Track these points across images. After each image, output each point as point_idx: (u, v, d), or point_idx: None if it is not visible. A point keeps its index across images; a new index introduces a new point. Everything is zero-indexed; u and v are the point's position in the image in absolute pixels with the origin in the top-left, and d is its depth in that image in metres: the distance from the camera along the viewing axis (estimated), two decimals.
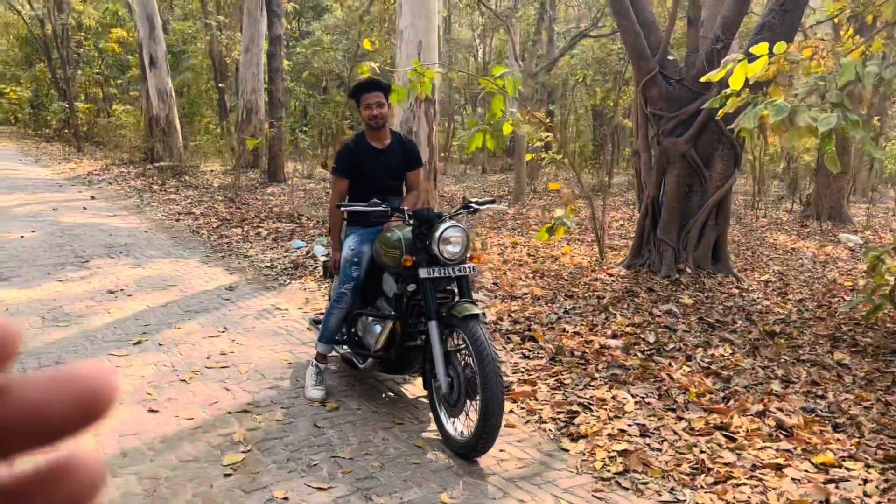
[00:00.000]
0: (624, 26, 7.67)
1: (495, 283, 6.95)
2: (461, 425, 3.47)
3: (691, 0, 7.82)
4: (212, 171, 17.92)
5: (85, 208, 10.95)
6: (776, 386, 4.45)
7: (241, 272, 7.19)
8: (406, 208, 3.78)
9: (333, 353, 4.28)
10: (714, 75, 4.89)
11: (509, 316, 5.78)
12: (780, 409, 4.04)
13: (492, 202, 4.01)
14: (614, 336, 5.40)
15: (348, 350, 4.15)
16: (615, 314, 6.00)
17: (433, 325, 3.50)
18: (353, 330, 4.16)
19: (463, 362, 3.44)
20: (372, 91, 4.03)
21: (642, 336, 5.39)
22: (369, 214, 3.86)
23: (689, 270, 7.43)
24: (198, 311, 5.68)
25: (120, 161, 18.78)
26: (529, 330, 5.40)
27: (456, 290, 3.69)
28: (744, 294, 6.91)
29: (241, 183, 15.50)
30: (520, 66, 16.25)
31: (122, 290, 6.17)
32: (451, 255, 3.56)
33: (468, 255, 3.68)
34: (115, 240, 8.42)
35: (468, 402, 3.42)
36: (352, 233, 4.17)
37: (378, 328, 3.91)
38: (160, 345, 4.79)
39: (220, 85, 24.18)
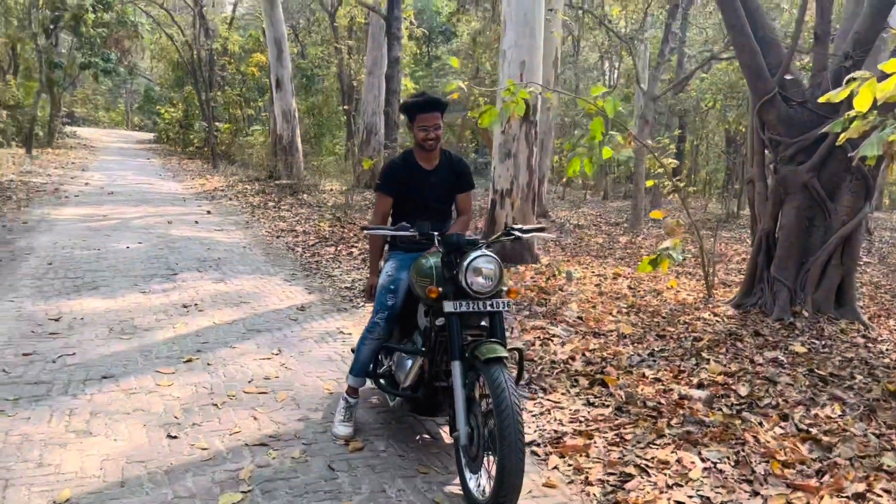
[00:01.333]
0: (740, 43, 6.98)
1: (579, 318, 6.43)
2: (484, 482, 3.05)
3: (819, 14, 7.02)
4: (331, 189, 18.25)
5: (197, 222, 11.34)
6: (889, 460, 3.70)
7: (320, 292, 7.06)
8: (436, 233, 3.41)
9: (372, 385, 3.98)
10: (835, 95, 4.21)
11: (584, 355, 5.27)
12: (888, 492, 3.32)
13: (540, 229, 3.58)
14: (700, 386, 4.77)
15: (381, 384, 3.82)
16: (708, 360, 5.34)
17: (456, 367, 3.12)
18: (388, 363, 3.84)
19: (486, 410, 3.03)
20: (429, 111, 3.71)
21: (734, 387, 4.73)
22: (413, 238, 3.53)
23: (805, 314, 6.58)
24: (260, 330, 5.56)
25: (246, 178, 19.56)
26: (602, 372, 4.87)
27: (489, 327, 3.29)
28: (870, 344, 6.01)
29: (354, 202, 15.66)
30: (642, 89, 15.53)
31: (196, 304, 6.17)
32: (481, 287, 3.17)
33: (503, 289, 3.28)
34: (210, 254, 8.58)
35: (488, 456, 3.00)
36: (392, 257, 3.87)
37: (409, 363, 3.57)
38: (208, 364, 4.67)
39: (345, 107, 24.80)
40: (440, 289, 3.22)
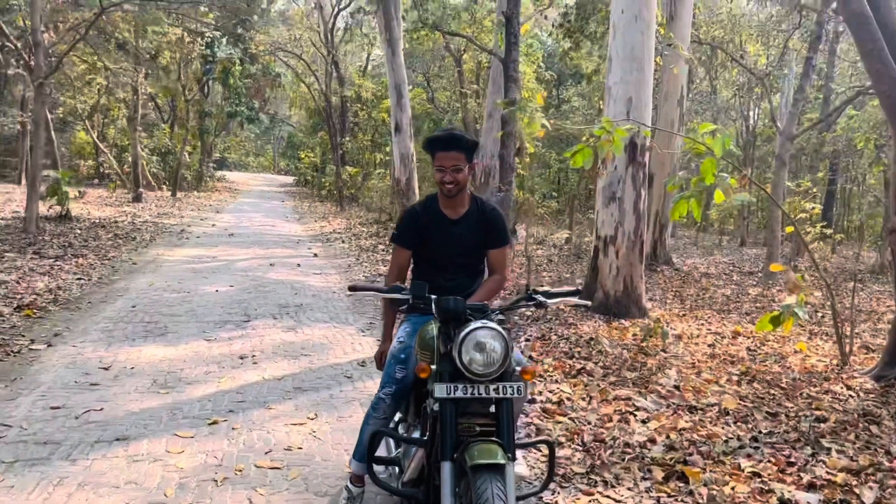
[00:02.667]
0: (877, 70, 5.93)
1: (676, 387, 5.53)
2: None
3: None
4: None
5: (299, 265, 11.27)
6: None
7: None
8: (434, 297, 2.77)
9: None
10: None
11: (668, 437, 4.41)
12: None
13: (574, 293, 2.87)
14: (811, 487, 3.80)
15: (376, 477, 3.20)
16: (829, 449, 4.33)
17: (446, 469, 2.46)
18: (398, 450, 3.24)
19: None
20: (449, 149, 3.13)
21: (856, 490, 3.73)
22: (407, 301, 2.92)
23: None
24: (307, 389, 5.11)
25: (366, 221, 19.69)
26: (685, 462, 4.01)
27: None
28: None
29: None
30: (778, 127, 14.16)
31: (253, 356, 5.85)
32: (481, 368, 2.52)
33: (514, 370, 2.61)
34: (294, 299, 8.35)
35: None
36: (408, 321, 3.29)
37: (412, 452, 2.95)
38: (233, 429, 4.26)
39: None
40: (433, 367, 2.61)
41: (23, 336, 6.06)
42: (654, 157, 14.97)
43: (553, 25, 15.53)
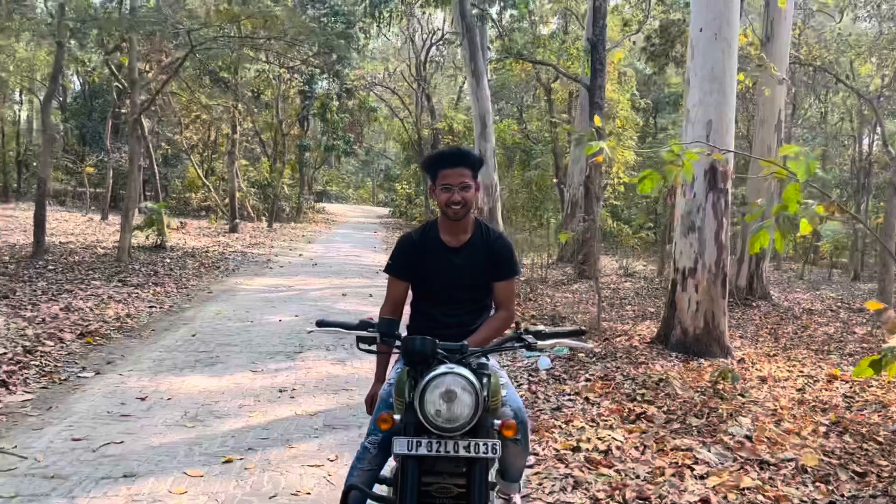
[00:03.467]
0: None
1: (748, 437, 4.93)
2: None
3: None
4: (533, 263, 17.56)
5: (371, 295, 11.14)
6: None
7: None
8: (403, 335, 2.43)
9: None
10: None
11: (726, 497, 3.86)
12: None
13: (575, 333, 2.47)
14: None
15: None
16: None
17: None
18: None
19: None
20: (456, 166, 2.84)
21: None
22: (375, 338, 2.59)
23: None
24: (338, 427, 4.85)
25: None
26: None
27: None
28: None
29: (549, 276, 14.83)
30: (890, 152, 13.02)
31: (293, 389, 5.65)
32: (447, 421, 2.16)
33: (493, 424, 2.24)
34: None
35: None
36: (400, 361, 2.97)
37: None
38: (245, 469, 4.03)
39: (555, 179, 24.26)
40: (396, 417, 2.27)
41: (76, 363, 6.12)
42: (750, 184, 14.09)
43: (637, 49, 15.00)
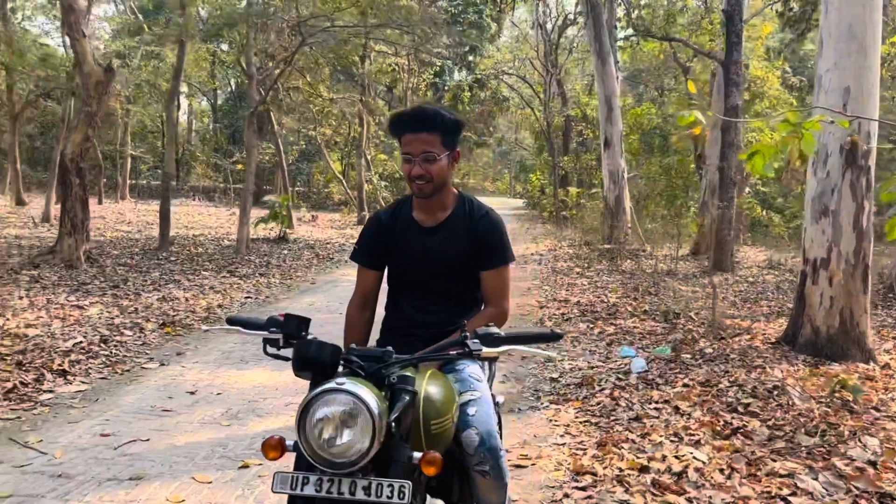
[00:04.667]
0: None
1: (872, 462, 3.99)
2: None
3: None
4: (665, 255, 16.45)
5: None
6: None
7: (518, 381, 5.66)
8: (311, 337, 1.90)
9: None
10: None
11: None
12: None
13: (539, 338, 1.84)
14: None
15: None
16: None
17: None
18: None
19: None
20: (418, 130, 2.28)
21: None
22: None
23: None
24: None
25: (577, 242, 18.70)
26: None
27: None
28: None
29: (678, 269, 13.74)
30: None
31: None
32: (332, 454, 1.63)
33: (410, 458, 1.68)
34: None
35: None
36: None
37: None
38: (259, 476, 3.66)
39: (692, 165, 22.65)
40: (289, 443, 1.76)
41: (146, 354, 6.07)
42: None
43: (775, 13, 13.50)
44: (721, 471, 3.86)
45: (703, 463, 3.93)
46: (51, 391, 4.91)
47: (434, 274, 2.38)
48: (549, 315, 8.48)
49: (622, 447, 4.13)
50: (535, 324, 8.03)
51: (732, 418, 4.71)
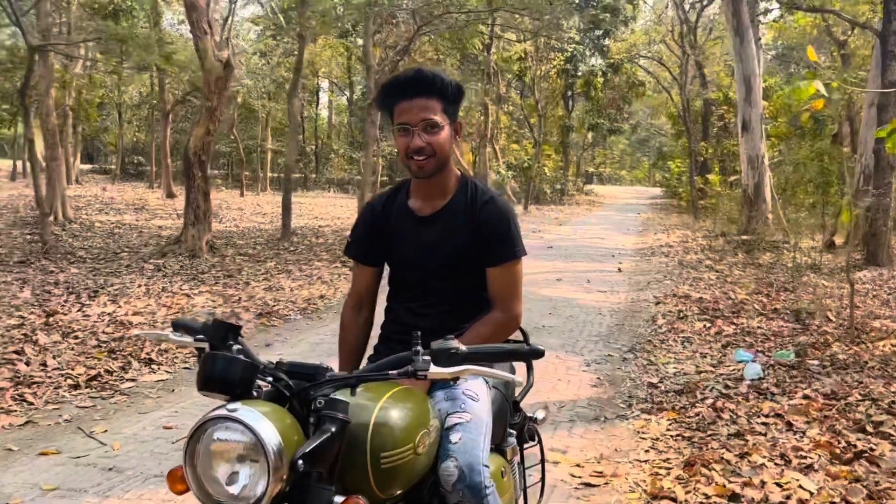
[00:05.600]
0: None
1: None
2: None
3: None
4: (811, 247, 15.10)
5: (589, 281, 10.12)
6: None
7: (614, 385, 5.16)
8: (236, 347, 1.58)
9: None
10: None
11: None
12: None
13: (521, 355, 1.44)
14: None
15: None
16: None
17: None
18: None
19: None
20: (414, 96, 1.94)
21: None
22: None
23: None
24: None
25: (710, 234, 17.54)
26: None
27: None
28: None
29: (824, 262, 12.51)
30: None
31: None
32: (224, 493, 1.32)
33: (331, 501, 1.34)
34: (543, 320, 7.28)
35: None
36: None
37: None
38: None
39: (846, 149, 20.68)
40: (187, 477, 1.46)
41: None
42: None
43: None
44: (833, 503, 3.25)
45: (811, 493, 3.33)
46: (133, 380, 4.98)
47: (430, 271, 2.03)
48: (663, 312, 7.83)
49: (713, 468, 3.59)
50: (646, 322, 7.43)
51: (858, 439, 4.02)
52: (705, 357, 5.89)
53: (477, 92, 21.99)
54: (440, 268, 2.03)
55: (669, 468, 3.66)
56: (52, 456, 3.69)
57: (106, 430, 4.05)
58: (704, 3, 26.86)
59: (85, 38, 15.30)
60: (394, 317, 2.14)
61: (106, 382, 4.85)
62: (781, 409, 4.48)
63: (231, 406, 1.35)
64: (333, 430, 1.39)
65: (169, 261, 10.28)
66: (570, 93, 34.94)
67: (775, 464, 3.68)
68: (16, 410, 4.26)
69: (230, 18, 26.56)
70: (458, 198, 2.04)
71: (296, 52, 25.18)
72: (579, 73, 32.44)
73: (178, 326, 1.77)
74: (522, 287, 2.13)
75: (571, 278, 10.34)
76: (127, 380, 4.97)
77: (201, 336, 1.67)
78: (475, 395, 1.86)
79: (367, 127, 13.82)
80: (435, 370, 1.46)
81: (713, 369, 5.53)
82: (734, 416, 4.39)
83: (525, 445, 2.40)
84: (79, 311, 6.80)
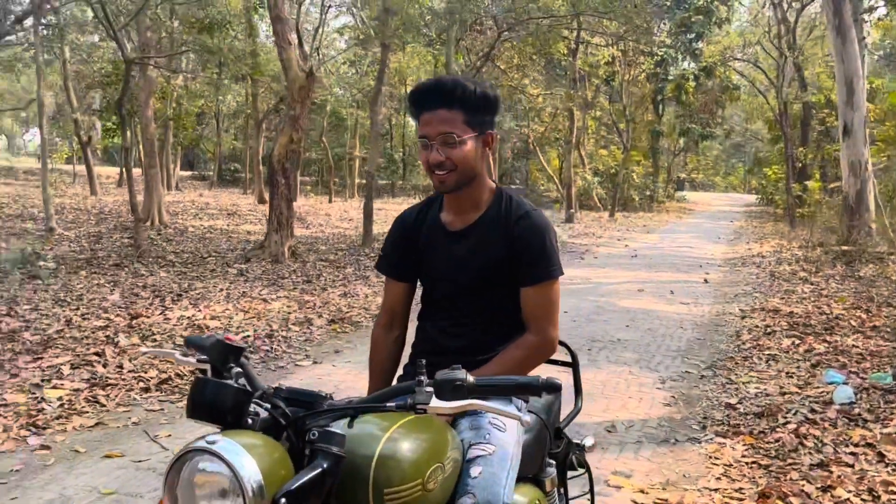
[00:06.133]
0: None
1: None
2: None
3: None
4: None
5: (672, 292, 9.74)
6: None
7: (688, 404, 4.89)
8: (235, 369, 1.49)
9: None
10: None
11: None
12: None
13: (536, 389, 1.31)
14: None
15: None
16: None
17: None
18: None
19: None
20: (434, 107, 1.83)
21: None
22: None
23: None
24: None
25: (807, 244, 16.64)
26: None
27: None
28: None
29: None
30: None
31: None
32: None
33: None
34: (618, 333, 7.03)
35: None
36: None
37: None
38: None
39: None
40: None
41: (304, 351, 6.14)
42: None
43: None
44: None
45: None
46: None
47: (461, 285, 1.92)
48: (749, 326, 7.43)
49: (791, 501, 3.32)
50: (730, 337, 7.06)
51: None
52: (791, 377, 5.51)
53: (562, 97, 21.68)
54: (471, 281, 1.91)
55: (742, 499, 3.42)
56: (116, 459, 3.77)
57: (170, 435, 4.13)
58: (805, 1, 25.63)
59: (176, 50, 15.92)
60: (425, 335, 2.04)
61: (176, 386, 4.96)
62: (874, 437, 4.13)
63: (210, 438, 1.28)
64: (325, 465, 1.30)
65: (252, 266, 10.54)
66: (660, 97, 34.01)
67: (862, 499, 3.37)
68: (88, 412, 4.40)
69: (321, 28, 27.23)
70: (492, 211, 1.93)
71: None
72: (670, 77, 31.57)
73: (190, 344, 1.73)
74: (559, 309, 1.99)
75: (654, 289, 9.98)
76: None
77: (204, 357, 1.61)
78: (502, 424, 1.74)
79: None
80: (436, 404, 1.35)
81: (799, 391, 5.17)
82: (819, 444, 4.07)
83: (570, 475, 2.25)
84: (160, 314, 7.02)
